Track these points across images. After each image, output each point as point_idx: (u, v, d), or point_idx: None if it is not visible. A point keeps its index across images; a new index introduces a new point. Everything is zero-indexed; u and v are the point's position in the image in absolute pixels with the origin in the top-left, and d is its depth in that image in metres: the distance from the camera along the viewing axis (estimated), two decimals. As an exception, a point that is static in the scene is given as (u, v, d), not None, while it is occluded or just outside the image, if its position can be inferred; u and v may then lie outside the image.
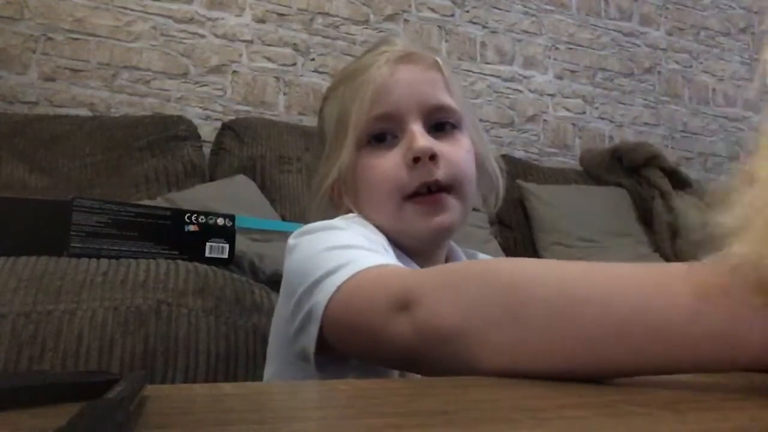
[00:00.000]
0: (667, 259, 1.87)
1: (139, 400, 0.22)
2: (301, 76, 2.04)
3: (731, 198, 0.28)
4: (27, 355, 0.69)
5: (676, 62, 2.68)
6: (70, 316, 0.72)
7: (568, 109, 2.46)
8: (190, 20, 1.93)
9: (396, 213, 0.58)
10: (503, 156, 1.97)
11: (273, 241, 1.26)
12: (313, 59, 2.06)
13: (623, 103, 2.56)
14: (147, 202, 1.36)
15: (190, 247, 0.95)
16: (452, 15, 2.31)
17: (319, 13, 2.09)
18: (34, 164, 1.48)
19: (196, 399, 0.26)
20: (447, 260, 0.64)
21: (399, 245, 0.58)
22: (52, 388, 0.24)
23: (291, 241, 0.55)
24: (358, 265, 0.45)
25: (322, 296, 0.45)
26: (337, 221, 0.57)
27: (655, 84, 2.63)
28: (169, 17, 1.90)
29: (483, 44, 2.34)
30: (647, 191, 2.09)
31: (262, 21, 2.02)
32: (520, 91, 2.38)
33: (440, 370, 0.37)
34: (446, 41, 2.27)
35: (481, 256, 0.69)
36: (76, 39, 1.79)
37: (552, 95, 2.44)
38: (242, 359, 0.81)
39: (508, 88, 2.36)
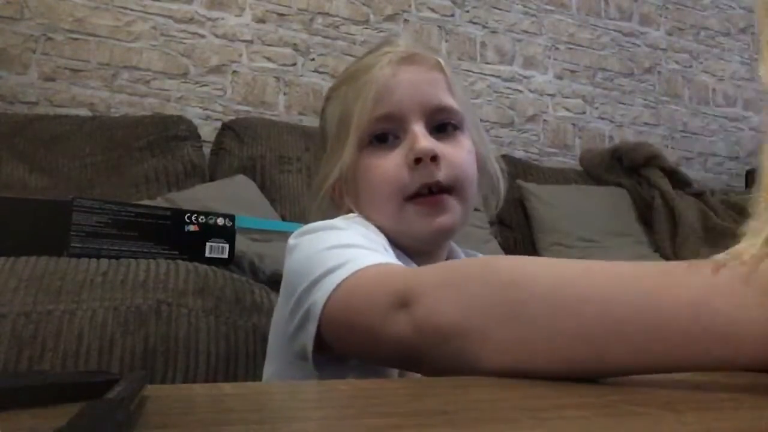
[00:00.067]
0: (667, 259, 1.87)
1: (139, 400, 0.22)
2: (301, 76, 2.04)
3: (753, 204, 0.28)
4: (27, 355, 0.69)
5: (676, 62, 2.68)
6: (70, 316, 0.72)
7: (568, 109, 2.46)
8: (190, 20, 1.93)
9: (397, 213, 0.58)
10: (503, 156, 1.97)
11: (273, 241, 1.26)
12: (313, 59, 2.07)
13: (623, 103, 2.56)
14: (147, 202, 1.36)
15: (190, 247, 0.95)
16: (452, 15, 2.31)
17: (319, 13, 2.09)
18: (34, 164, 1.48)
19: (196, 399, 0.26)
20: (447, 260, 0.64)
21: (399, 246, 0.58)
22: (52, 388, 0.24)
23: (291, 240, 0.55)
24: (357, 264, 0.45)
25: (320, 295, 0.45)
26: (337, 221, 0.57)
27: (655, 84, 2.63)
28: (169, 17, 1.90)
29: (483, 44, 2.34)
30: (647, 191, 2.09)
31: (262, 21, 2.02)
32: (520, 91, 2.38)
33: (440, 369, 0.37)
34: (446, 41, 2.27)
35: (481, 256, 0.69)
36: (76, 39, 1.79)
37: (552, 95, 2.44)
38: (242, 359, 0.81)
39: (508, 88, 2.36)
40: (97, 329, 0.73)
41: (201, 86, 1.92)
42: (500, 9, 2.39)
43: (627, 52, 2.59)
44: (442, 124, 0.61)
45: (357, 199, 0.61)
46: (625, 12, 2.62)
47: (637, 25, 2.63)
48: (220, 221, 0.99)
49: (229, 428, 0.20)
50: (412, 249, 0.59)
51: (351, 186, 0.61)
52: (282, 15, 2.05)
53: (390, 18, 2.20)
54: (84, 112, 1.76)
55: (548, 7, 2.47)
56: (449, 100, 0.61)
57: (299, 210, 1.62)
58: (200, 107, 1.91)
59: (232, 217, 1.00)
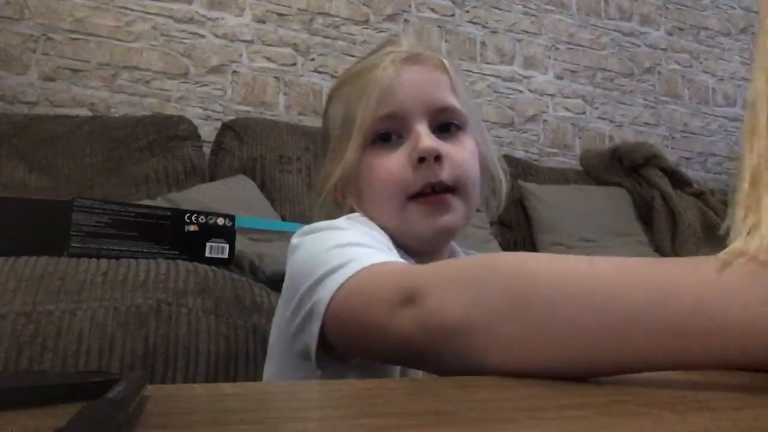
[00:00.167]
0: (667, 259, 1.87)
1: (139, 400, 0.22)
2: (301, 76, 2.04)
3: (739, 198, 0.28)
4: (27, 355, 0.69)
5: (676, 62, 2.68)
6: (70, 316, 0.72)
7: (568, 109, 2.46)
8: (190, 20, 1.93)
9: (400, 213, 0.58)
10: (503, 156, 1.97)
11: (273, 241, 1.26)
12: (313, 59, 2.07)
13: (623, 103, 2.56)
14: (147, 202, 1.36)
15: (190, 247, 0.96)
16: (452, 15, 2.31)
17: (319, 13, 2.09)
18: (34, 164, 1.48)
19: (196, 399, 0.26)
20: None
21: (402, 245, 0.58)
22: (52, 388, 0.24)
23: (294, 240, 0.55)
24: (362, 263, 0.45)
25: (324, 293, 0.45)
26: (340, 221, 0.57)
27: (655, 84, 2.63)
28: (169, 17, 1.90)
29: (483, 44, 2.34)
30: (647, 191, 2.09)
31: (262, 21, 2.02)
32: (520, 91, 2.38)
33: (445, 366, 0.36)
34: (446, 41, 2.27)
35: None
36: (76, 39, 1.79)
37: (552, 95, 2.44)
38: (242, 359, 0.81)
39: (508, 88, 2.36)
40: (97, 329, 0.73)
41: (201, 86, 1.92)
42: (500, 9, 2.39)
43: (627, 52, 2.59)
44: (446, 124, 0.61)
45: (360, 198, 0.61)
46: (625, 12, 2.62)
47: (637, 25, 2.63)
48: (220, 221, 0.99)
49: (229, 428, 0.20)
50: (415, 248, 0.59)
51: (354, 185, 0.61)
52: (282, 15, 2.05)
53: (390, 18, 2.20)
54: (84, 112, 1.76)
55: (548, 7, 2.47)
56: (452, 100, 0.61)
57: (299, 210, 1.62)
58: (200, 107, 1.91)
59: (232, 217, 1.00)
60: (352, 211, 0.61)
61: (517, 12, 2.41)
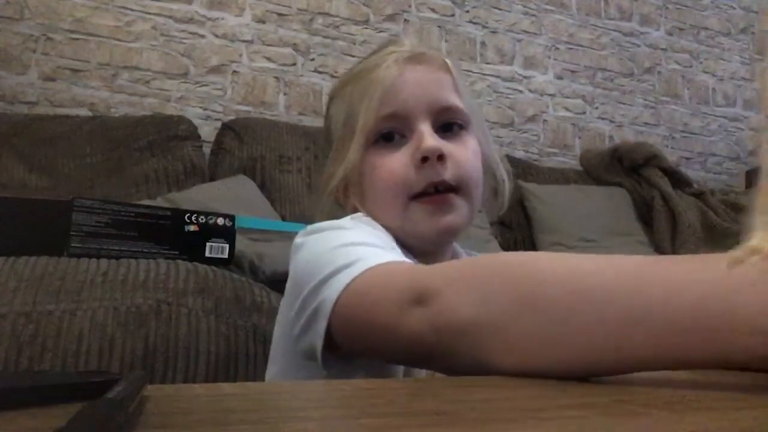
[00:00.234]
0: (667, 259, 1.87)
1: (139, 400, 0.22)
2: (301, 76, 2.04)
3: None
4: (27, 355, 0.69)
5: (676, 62, 2.68)
6: (70, 316, 0.72)
7: (568, 109, 2.46)
8: (190, 20, 1.93)
9: (402, 212, 0.58)
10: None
11: (273, 241, 1.26)
12: (313, 59, 2.07)
13: (623, 103, 2.56)
14: (147, 202, 1.36)
15: (190, 247, 0.96)
16: (452, 15, 2.31)
17: (319, 13, 2.09)
18: (34, 164, 1.48)
19: (196, 399, 0.26)
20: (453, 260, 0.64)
21: (405, 245, 0.58)
22: (52, 388, 0.24)
23: (298, 240, 0.54)
24: (369, 262, 0.45)
25: (330, 292, 0.45)
26: (344, 221, 0.56)
27: (655, 84, 2.63)
28: (169, 17, 1.90)
29: (483, 44, 2.34)
30: (647, 191, 2.09)
31: (262, 21, 2.02)
32: (520, 91, 2.38)
33: (454, 365, 0.36)
34: (446, 41, 2.27)
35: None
36: (76, 39, 1.79)
37: (552, 95, 2.44)
38: (242, 359, 0.81)
39: (508, 88, 2.36)
40: (97, 329, 0.73)
41: (201, 86, 1.92)
42: (500, 9, 2.39)
43: (627, 52, 2.59)
44: (448, 124, 0.61)
45: (362, 198, 0.61)
46: (625, 12, 2.62)
47: (637, 25, 2.63)
48: (220, 221, 0.99)
49: (229, 428, 0.20)
50: (417, 248, 0.59)
51: (356, 185, 0.61)
52: (282, 15, 2.05)
53: (390, 18, 2.20)
54: (84, 112, 1.76)
55: (548, 7, 2.47)
56: (455, 100, 0.61)
57: (299, 210, 1.62)
58: (200, 107, 1.91)
59: (232, 217, 1.00)
60: (354, 210, 0.61)
61: (517, 12, 2.41)
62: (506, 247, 1.88)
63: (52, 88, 1.75)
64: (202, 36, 1.94)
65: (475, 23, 2.34)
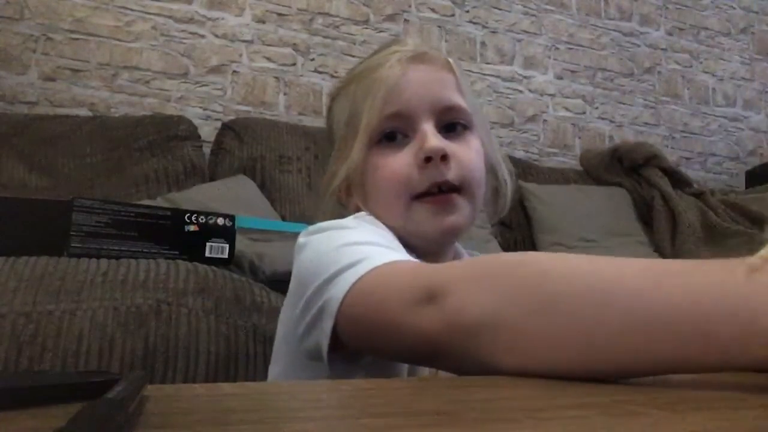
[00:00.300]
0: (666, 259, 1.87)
1: (139, 400, 0.22)
2: (301, 76, 2.04)
3: None
4: (27, 355, 0.69)
5: (676, 62, 2.68)
6: (70, 316, 0.72)
7: (568, 109, 2.46)
8: (190, 20, 1.93)
9: (405, 212, 0.58)
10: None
11: (273, 241, 1.26)
12: (313, 59, 2.07)
13: (623, 103, 2.56)
14: (147, 202, 1.36)
15: (190, 247, 0.96)
16: (452, 15, 2.31)
17: (319, 13, 2.09)
18: (34, 164, 1.48)
19: (196, 399, 0.26)
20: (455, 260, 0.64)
21: (407, 245, 0.58)
22: (52, 388, 0.24)
23: (301, 239, 0.54)
24: (375, 261, 0.45)
25: (336, 291, 0.44)
26: (348, 220, 0.56)
27: (655, 84, 2.63)
28: (169, 17, 1.90)
29: (483, 44, 2.34)
30: (647, 191, 2.09)
31: (262, 21, 2.02)
32: (520, 91, 2.38)
33: (465, 364, 0.36)
34: (446, 41, 2.27)
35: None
36: (76, 39, 1.79)
37: (552, 95, 2.44)
38: (242, 359, 0.81)
39: (508, 88, 2.36)
40: (97, 329, 0.73)
41: (201, 86, 1.92)
42: (500, 9, 2.39)
43: (627, 52, 2.59)
44: (452, 124, 0.60)
45: (365, 198, 0.61)
46: (625, 12, 2.62)
47: (637, 25, 2.63)
48: (220, 221, 0.99)
49: (229, 428, 0.20)
50: (420, 248, 0.59)
51: (359, 185, 0.61)
52: (282, 15, 2.05)
53: (390, 18, 2.20)
54: (84, 112, 1.76)
55: (548, 7, 2.47)
56: (459, 100, 0.61)
57: (299, 210, 1.62)
58: (200, 107, 1.91)
59: (232, 217, 1.00)
60: (357, 210, 0.61)
61: (517, 12, 2.41)
62: (506, 247, 1.88)
63: (52, 88, 1.75)
64: (202, 36, 1.94)
65: (475, 23, 2.34)
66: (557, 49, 2.47)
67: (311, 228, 0.55)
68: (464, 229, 0.60)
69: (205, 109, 1.91)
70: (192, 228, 0.97)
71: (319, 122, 1.97)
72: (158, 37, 1.88)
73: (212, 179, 1.66)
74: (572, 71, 2.48)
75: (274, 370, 0.59)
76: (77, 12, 1.80)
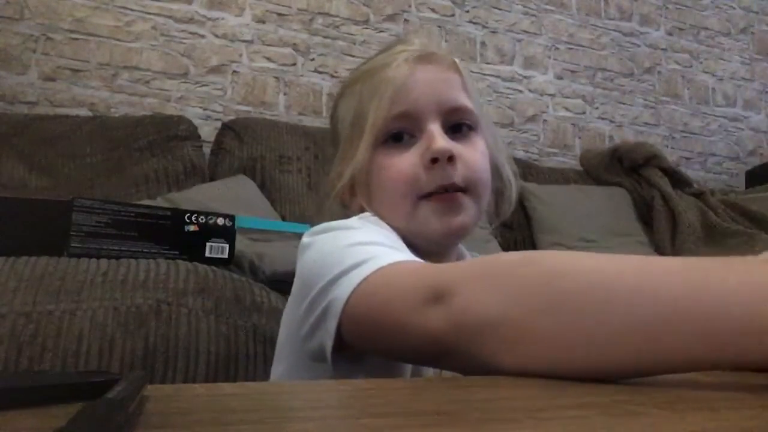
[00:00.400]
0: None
1: (139, 400, 0.22)
2: (301, 76, 2.04)
3: None
4: (27, 355, 0.69)
5: (676, 62, 2.68)
6: (70, 316, 0.72)
7: (568, 109, 2.46)
8: (190, 20, 1.93)
9: (411, 212, 0.58)
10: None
11: (273, 241, 1.26)
12: (313, 59, 2.07)
13: (623, 103, 2.56)
14: (147, 202, 1.36)
15: (190, 247, 0.96)
16: (452, 15, 2.31)
17: (319, 13, 2.09)
18: (34, 164, 1.48)
19: (196, 399, 0.26)
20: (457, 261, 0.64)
21: (411, 245, 0.58)
22: (52, 388, 0.24)
23: (305, 239, 0.54)
24: (380, 261, 0.44)
25: (341, 291, 0.44)
26: (352, 220, 0.56)
27: (655, 84, 2.63)
28: (169, 17, 1.90)
29: (483, 44, 2.34)
30: (647, 191, 2.09)
31: (262, 21, 2.02)
32: (520, 91, 2.38)
33: (472, 364, 0.36)
34: (446, 41, 2.27)
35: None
36: (76, 39, 1.79)
37: (552, 95, 2.44)
38: (242, 359, 0.81)
39: (508, 88, 2.36)
40: (97, 329, 0.73)
41: (201, 86, 1.92)
42: (500, 9, 2.39)
43: (627, 52, 2.59)
44: (458, 125, 0.60)
45: (369, 198, 0.61)
46: (625, 12, 2.62)
47: (637, 25, 2.63)
48: (220, 221, 0.99)
49: (229, 428, 0.20)
50: (423, 249, 0.58)
51: (363, 185, 0.61)
52: (282, 15, 2.05)
53: (390, 18, 2.20)
54: (84, 112, 1.76)
55: (548, 7, 2.47)
56: (465, 101, 0.61)
57: (299, 210, 1.62)
58: (200, 107, 1.91)
59: (232, 217, 1.00)
60: (360, 210, 0.61)
61: (517, 12, 2.41)
62: (506, 247, 1.88)
63: (52, 88, 1.75)
64: (202, 36, 1.94)
65: (475, 23, 2.34)
66: (557, 49, 2.47)
67: (315, 228, 0.55)
68: (470, 230, 0.60)
69: (205, 109, 1.91)
70: (192, 228, 0.97)
71: (319, 122, 1.98)
72: (158, 37, 1.88)
73: (212, 179, 1.66)
74: (572, 71, 2.48)
75: (276, 370, 0.59)
76: (77, 12, 1.80)
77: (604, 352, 0.31)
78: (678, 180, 2.13)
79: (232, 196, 1.49)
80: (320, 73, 2.06)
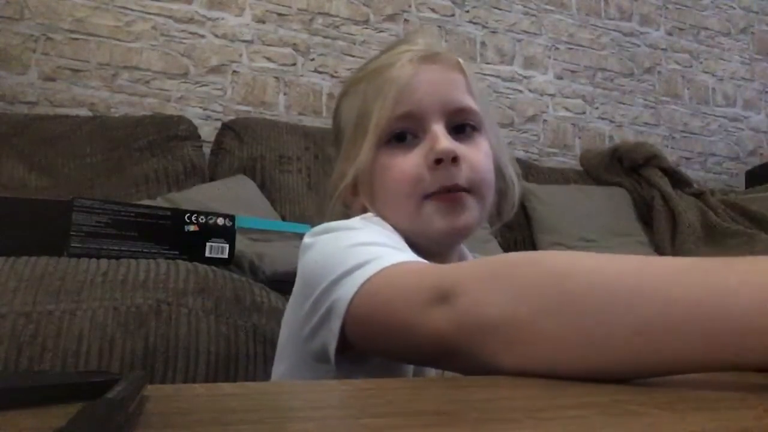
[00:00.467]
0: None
1: (139, 400, 0.22)
2: (301, 76, 2.04)
3: None
4: (27, 355, 0.69)
5: (676, 62, 2.68)
6: (70, 316, 0.72)
7: (568, 109, 2.46)
8: (190, 20, 1.93)
9: (415, 212, 0.57)
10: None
11: (273, 241, 1.26)
12: (313, 59, 2.07)
13: (623, 103, 2.56)
14: (147, 202, 1.36)
15: (190, 247, 0.96)
16: (452, 15, 2.31)
17: (319, 13, 2.09)
18: (34, 164, 1.48)
19: (196, 399, 0.26)
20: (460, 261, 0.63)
21: (413, 246, 0.58)
22: (52, 388, 0.24)
23: (307, 239, 0.54)
24: (383, 262, 0.44)
25: (344, 291, 0.44)
26: (354, 221, 0.56)
27: (655, 84, 2.63)
28: (169, 17, 1.90)
29: (483, 44, 2.34)
30: (647, 191, 2.09)
31: (262, 21, 2.02)
32: (520, 91, 2.38)
33: (475, 365, 0.36)
34: (446, 41, 2.27)
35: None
36: (76, 39, 1.79)
37: (552, 95, 2.44)
38: (242, 359, 0.81)
39: (508, 88, 2.36)
40: (97, 329, 0.73)
41: (201, 86, 1.92)
42: (500, 9, 2.39)
43: (627, 52, 2.59)
44: (461, 125, 0.60)
45: (372, 198, 0.60)
46: (625, 12, 2.62)
47: (637, 25, 2.63)
48: (220, 221, 0.99)
49: (229, 428, 0.20)
50: (426, 249, 0.57)
51: (366, 185, 0.60)
52: (282, 15, 2.05)
53: (390, 18, 2.20)
54: (84, 112, 1.76)
55: (548, 7, 2.47)
56: (469, 101, 0.60)
57: (299, 210, 1.62)
58: (200, 107, 1.91)
59: (232, 217, 1.00)
60: (362, 211, 0.61)
61: (517, 12, 2.41)
62: (506, 247, 1.88)
63: (52, 88, 1.75)
64: (202, 36, 1.94)
65: (475, 23, 2.34)
66: (557, 49, 2.47)
67: (317, 228, 0.54)
68: (473, 230, 0.59)
69: (205, 109, 1.91)
70: (192, 228, 0.97)
71: (319, 122, 1.98)
72: (158, 37, 1.88)
73: (212, 179, 1.66)
74: (572, 71, 2.48)
75: (278, 370, 0.59)
76: (77, 12, 1.80)
77: (605, 352, 0.31)
78: (678, 180, 2.13)
79: (232, 196, 1.49)
80: (320, 73, 2.06)
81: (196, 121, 1.79)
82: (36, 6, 1.76)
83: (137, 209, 0.95)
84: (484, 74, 2.32)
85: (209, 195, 1.47)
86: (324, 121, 1.98)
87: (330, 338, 0.45)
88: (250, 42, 1.99)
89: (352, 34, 2.13)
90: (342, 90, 0.67)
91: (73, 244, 0.87)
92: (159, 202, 1.39)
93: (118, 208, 0.93)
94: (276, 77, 2.01)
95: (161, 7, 1.89)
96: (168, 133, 1.65)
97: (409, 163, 0.58)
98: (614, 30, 2.58)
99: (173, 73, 1.89)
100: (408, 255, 0.49)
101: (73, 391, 0.24)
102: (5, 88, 1.71)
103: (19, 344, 0.69)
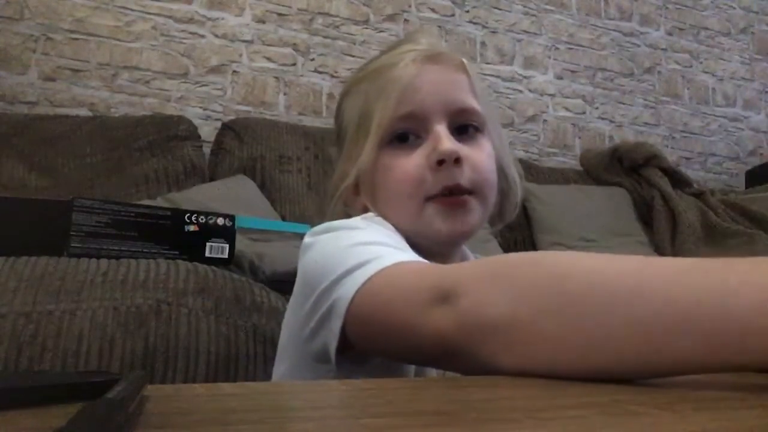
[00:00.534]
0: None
1: (139, 400, 0.22)
2: (301, 76, 2.04)
3: None
4: (27, 355, 0.69)
5: (676, 62, 2.68)
6: (70, 316, 0.72)
7: (568, 109, 2.46)
8: (190, 20, 1.93)
9: (416, 213, 0.57)
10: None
11: (273, 241, 1.26)
12: (313, 59, 2.07)
13: (623, 103, 2.56)
14: (147, 202, 1.36)
15: (190, 247, 0.96)
16: (452, 15, 2.31)
17: (319, 13, 2.09)
18: (34, 164, 1.48)
19: (196, 399, 0.26)
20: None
21: (415, 246, 0.57)
22: (52, 388, 0.24)
23: (308, 239, 0.54)
24: (384, 261, 0.44)
25: (345, 291, 0.44)
26: (355, 220, 0.56)
27: (655, 84, 2.63)
28: (169, 17, 1.90)
29: (483, 44, 2.34)
30: (647, 191, 2.09)
31: (262, 21, 2.02)
32: (520, 91, 2.38)
33: (476, 365, 0.36)
34: (446, 41, 2.27)
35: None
36: (76, 39, 1.79)
37: (552, 95, 2.44)
38: (242, 359, 0.81)
39: (508, 88, 2.36)
40: (97, 329, 0.73)
41: (201, 86, 1.92)
42: (500, 9, 2.39)
43: (627, 52, 2.59)
44: (464, 126, 0.60)
45: (374, 198, 0.60)
46: (625, 12, 2.62)
47: (637, 25, 2.63)
48: (220, 221, 0.99)
49: (229, 428, 0.20)
50: (427, 250, 0.57)
51: (368, 185, 0.60)
52: (282, 15, 2.05)
53: (390, 18, 2.20)
54: (84, 112, 1.76)
55: (548, 7, 2.47)
56: (472, 102, 0.60)
57: (299, 210, 1.62)
58: (200, 107, 1.91)
59: (232, 217, 1.00)
60: (363, 211, 0.60)
61: (517, 12, 2.41)
62: (506, 247, 1.88)
63: (52, 88, 1.75)
64: (202, 36, 1.94)
65: (475, 23, 2.34)
66: (557, 49, 2.47)
67: (318, 228, 0.54)
68: (475, 231, 0.59)
69: (205, 109, 1.91)
70: (192, 228, 0.96)
71: (319, 122, 1.98)
72: (158, 37, 1.88)
73: (212, 179, 1.66)
74: (572, 71, 2.48)
75: (278, 370, 0.59)
76: (77, 12, 1.80)
77: (605, 353, 0.31)
78: (678, 180, 2.13)
79: (232, 196, 1.49)
80: (320, 73, 2.06)
81: (196, 121, 1.79)
82: (36, 6, 1.76)
83: (137, 209, 0.95)
84: (484, 74, 2.32)
85: (209, 195, 1.47)
86: (324, 121, 1.98)
87: (330, 338, 0.45)
88: (250, 42, 1.99)
89: (352, 34, 2.13)
90: (344, 89, 0.67)
91: (73, 244, 0.87)
92: (159, 202, 1.39)
93: (118, 208, 0.93)
94: (276, 77, 2.01)
95: (161, 7, 1.89)
96: (168, 133, 1.65)
97: (411, 163, 0.58)
98: (614, 30, 2.58)
99: (173, 73, 1.89)
100: (409, 255, 0.49)
101: (73, 391, 0.24)
102: (5, 88, 1.71)
103: (19, 344, 0.69)
